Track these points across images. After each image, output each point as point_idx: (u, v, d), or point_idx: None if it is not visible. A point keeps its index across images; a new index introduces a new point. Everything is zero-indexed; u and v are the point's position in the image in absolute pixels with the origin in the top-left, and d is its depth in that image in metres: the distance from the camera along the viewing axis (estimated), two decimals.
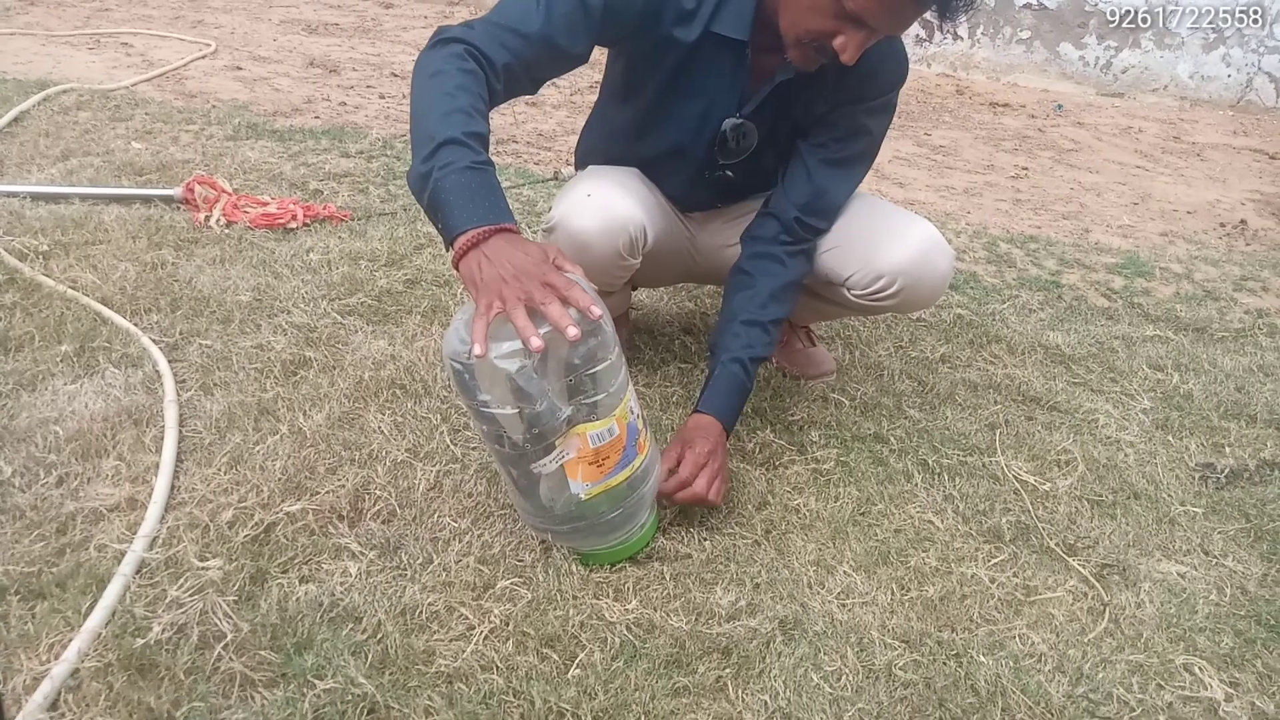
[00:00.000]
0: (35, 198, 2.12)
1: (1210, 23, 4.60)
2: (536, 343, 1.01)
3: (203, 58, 3.63)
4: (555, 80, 1.37)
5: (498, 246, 1.05)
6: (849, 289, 1.48)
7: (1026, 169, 3.59)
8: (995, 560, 1.33)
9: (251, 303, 1.80)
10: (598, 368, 1.10)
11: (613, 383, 1.13)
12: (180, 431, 1.40)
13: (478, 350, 1.02)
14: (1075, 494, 1.52)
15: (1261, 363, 2.05)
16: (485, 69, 1.17)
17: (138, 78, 3.20)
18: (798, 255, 1.48)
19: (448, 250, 1.10)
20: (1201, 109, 4.79)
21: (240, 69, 3.58)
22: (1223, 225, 3.15)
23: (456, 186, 1.07)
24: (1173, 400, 1.85)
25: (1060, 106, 4.58)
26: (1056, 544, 1.38)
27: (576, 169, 1.67)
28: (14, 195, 2.11)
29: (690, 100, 1.40)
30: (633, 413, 1.18)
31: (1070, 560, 1.34)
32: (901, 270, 1.42)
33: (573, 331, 1.01)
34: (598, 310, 1.05)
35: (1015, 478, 1.54)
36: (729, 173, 1.48)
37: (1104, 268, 2.54)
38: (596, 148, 1.60)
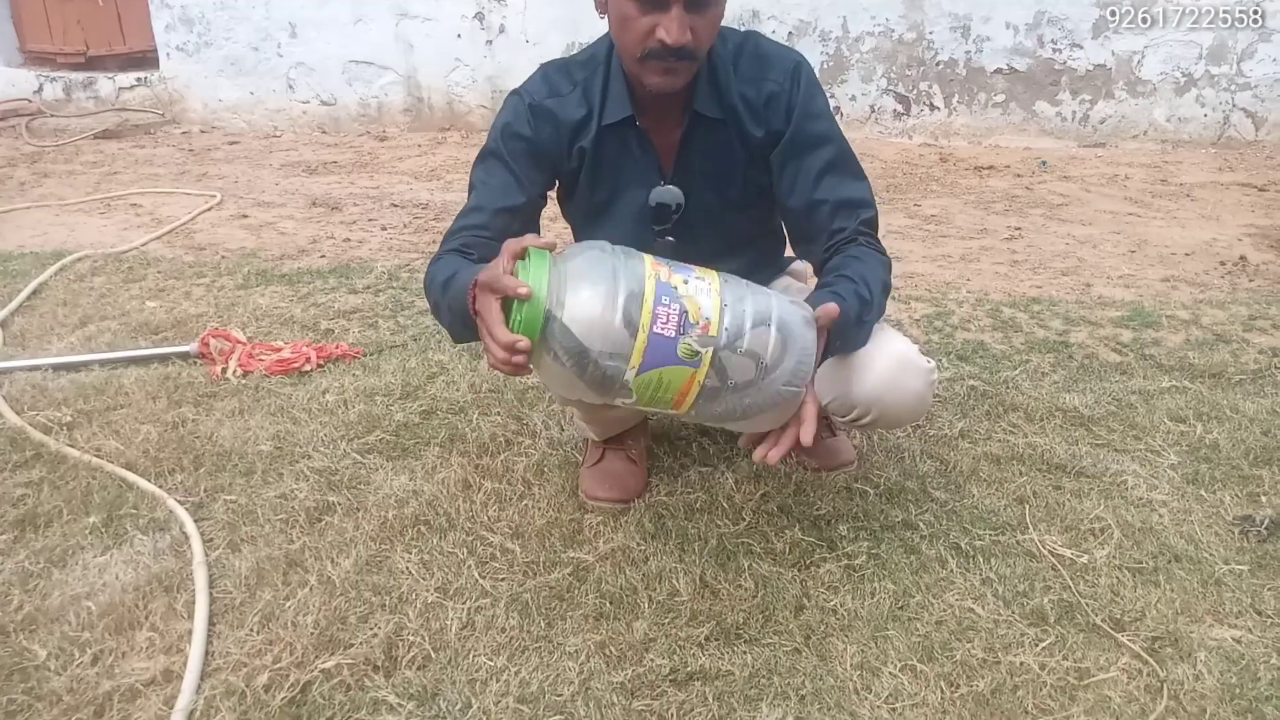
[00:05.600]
0: (56, 368, 2.17)
1: (1178, 68, 4.71)
2: None
3: (209, 209, 3.75)
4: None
5: None
6: (830, 415, 1.49)
7: (1019, 229, 3.63)
8: (1043, 644, 1.30)
9: (272, 452, 1.82)
10: None
11: None
12: (211, 593, 1.41)
13: None
14: (1114, 563, 1.49)
15: None
16: (474, 256, 1.37)
17: (148, 237, 3.32)
18: (849, 248, 1.41)
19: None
20: (1184, 149, 4.86)
21: (246, 216, 3.70)
22: (1223, 264, 3.16)
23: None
24: (1199, 452, 1.83)
25: (1045, 163, 4.66)
26: (1103, 620, 1.35)
27: None
28: (36, 368, 2.16)
29: (614, 188, 1.52)
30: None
31: (1119, 636, 1.31)
32: (875, 398, 1.40)
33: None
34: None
35: (1051, 553, 1.51)
36: (670, 238, 1.55)
37: (1110, 322, 2.54)
38: None
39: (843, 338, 1.29)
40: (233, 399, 2.03)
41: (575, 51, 1.55)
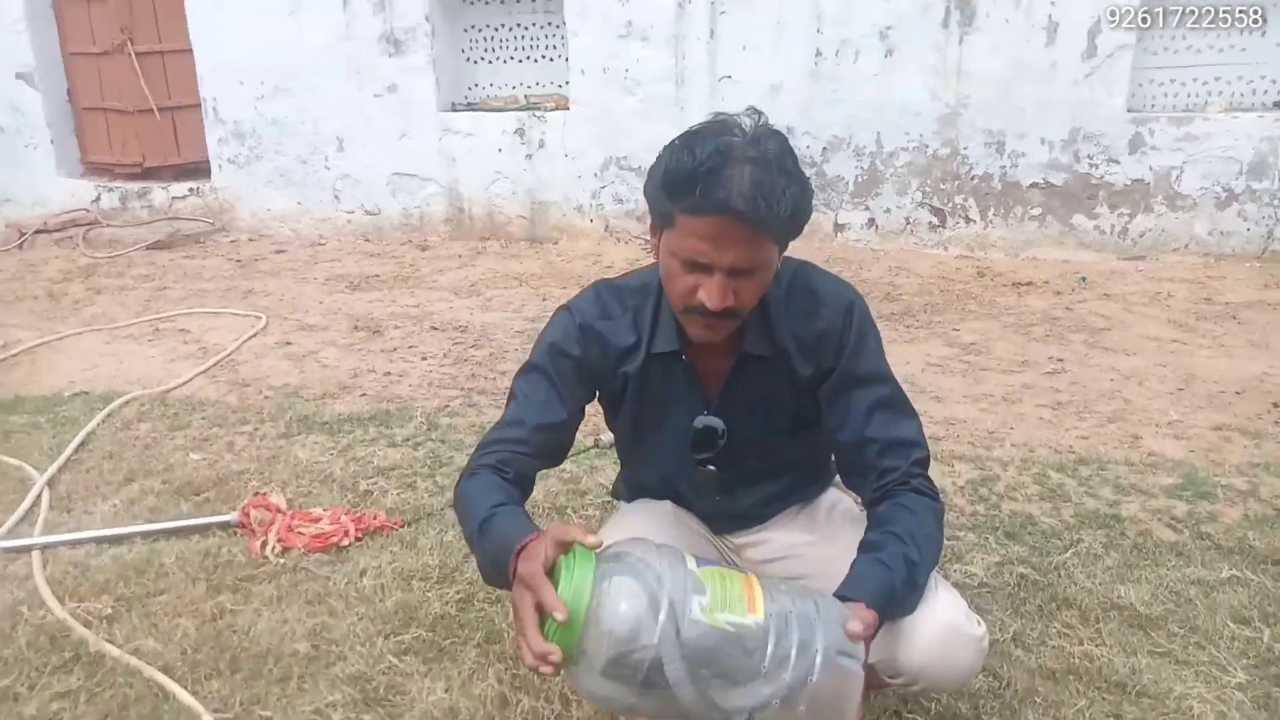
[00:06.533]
0: (98, 542, 2.19)
1: (1218, 183, 4.68)
2: None
3: (254, 335, 3.83)
4: None
5: None
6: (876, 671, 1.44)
7: (1062, 360, 3.58)
8: None
9: (309, 653, 1.80)
10: None
11: None
12: None
13: None
14: None
15: None
16: (509, 474, 1.39)
17: (193, 372, 3.38)
18: (901, 495, 1.39)
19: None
20: (1227, 263, 4.80)
21: (289, 343, 3.76)
22: (1276, 405, 3.08)
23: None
24: (1269, 670, 1.74)
25: (1084, 279, 4.62)
26: None
27: (615, 498, 1.81)
28: (79, 543, 2.18)
29: (657, 414, 1.53)
30: None
31: None
32: (921, 670, 1.33)
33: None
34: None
35: None
36: (711, 467, 1.54)
37: (1163, 491, 2.47)
38: (624, 477, 1.77)
39: (891, 608, 1.26)
40: (270, 583, 2.03)
41: (627, 274, 1.55)
